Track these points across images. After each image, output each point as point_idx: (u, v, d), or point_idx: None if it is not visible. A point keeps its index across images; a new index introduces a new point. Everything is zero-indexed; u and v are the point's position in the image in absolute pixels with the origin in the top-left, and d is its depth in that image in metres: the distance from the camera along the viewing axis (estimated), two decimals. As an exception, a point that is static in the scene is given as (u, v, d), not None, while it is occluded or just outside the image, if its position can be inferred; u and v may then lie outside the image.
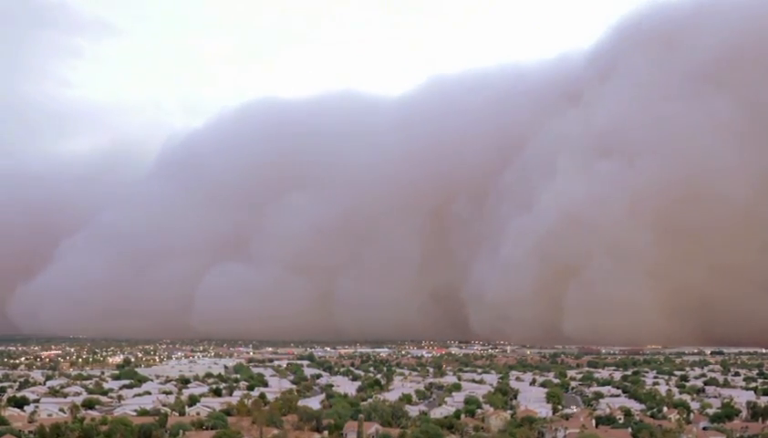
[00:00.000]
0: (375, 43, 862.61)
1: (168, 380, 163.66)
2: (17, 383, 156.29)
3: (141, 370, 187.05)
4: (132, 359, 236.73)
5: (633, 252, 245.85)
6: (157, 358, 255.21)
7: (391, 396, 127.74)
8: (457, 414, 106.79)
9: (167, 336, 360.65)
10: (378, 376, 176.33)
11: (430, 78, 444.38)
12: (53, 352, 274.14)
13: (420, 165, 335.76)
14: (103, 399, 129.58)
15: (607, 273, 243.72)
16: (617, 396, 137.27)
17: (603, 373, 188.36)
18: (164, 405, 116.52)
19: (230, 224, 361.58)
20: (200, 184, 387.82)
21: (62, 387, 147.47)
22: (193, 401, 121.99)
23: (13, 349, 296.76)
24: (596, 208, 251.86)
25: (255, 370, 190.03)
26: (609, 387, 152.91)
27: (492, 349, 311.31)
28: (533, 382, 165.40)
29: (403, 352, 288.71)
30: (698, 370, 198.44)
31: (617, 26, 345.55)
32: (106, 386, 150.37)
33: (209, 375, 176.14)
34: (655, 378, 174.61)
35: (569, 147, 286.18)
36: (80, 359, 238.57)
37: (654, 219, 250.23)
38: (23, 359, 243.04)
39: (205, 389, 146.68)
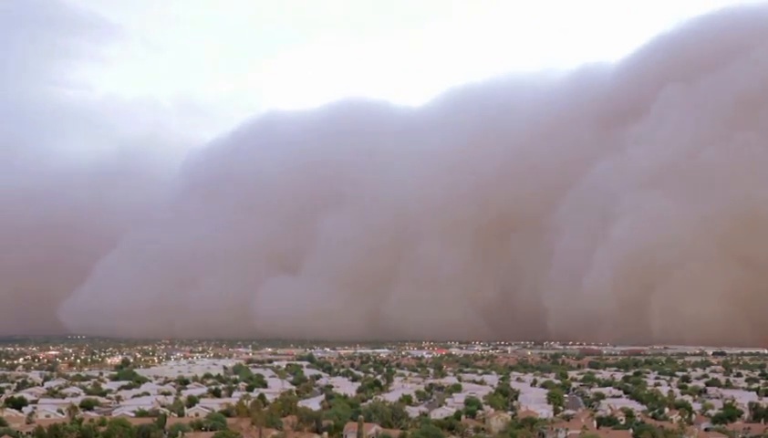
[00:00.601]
0: (377, 49, 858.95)
1: (167, 381, 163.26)
2: (15, 384, 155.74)
3: (140, 371, 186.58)
4: (131, 360, 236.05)
5: (700, 269, 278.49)
6: (156, 358, 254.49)
7: (391, 397, 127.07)
8: (457, 415, 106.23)
9: (223, 337, 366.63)
10: (378, 377, 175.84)
11: (452, 89, 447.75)
12: (51, 353, 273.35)
13: (457, 179, 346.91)
14: (101, 400, 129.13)
15: (682, 287, 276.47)
16: (619, 397, 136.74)
17: (604, 374, 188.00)
18: (163, 406, 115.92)
19: (271, 236, 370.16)
20: (236, 196, 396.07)
21: (60, 388, 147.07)
22: (192, 401, 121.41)
23: (11, 349, 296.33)
24: (664, 233, 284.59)
25: (255, 371, 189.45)
26: (611, 388, 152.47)
27: (492, 349, 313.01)
28: (533, 383, 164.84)
29: (403, 353, 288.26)
30: (699, 371, 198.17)
31: (643, 45, 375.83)
32: (104, 387, 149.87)
33: (208, 376, 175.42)
34: (656, 379, 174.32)
35: (625, 176, 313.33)
36: (79, 360, 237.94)
37: (714, 242, 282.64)
38: (21, 359, 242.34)
39: (204, 390, 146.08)
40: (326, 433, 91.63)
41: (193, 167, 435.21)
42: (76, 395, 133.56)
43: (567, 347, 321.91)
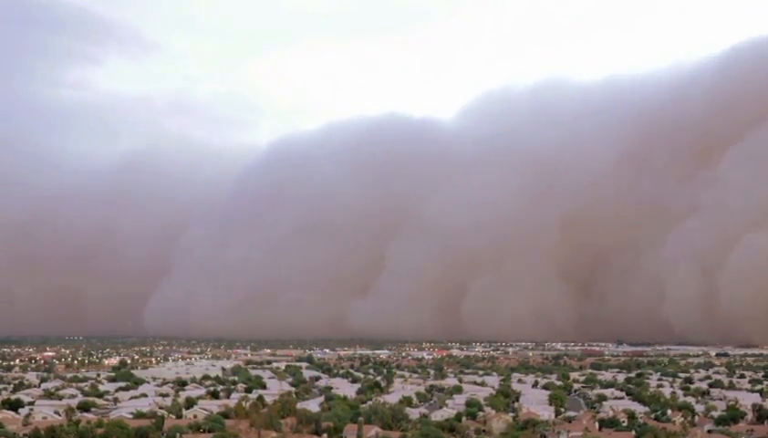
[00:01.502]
0: (379, 50, 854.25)
1: (164, 383, 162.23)
2: (12, 385, 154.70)
3: (138, 372, 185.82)
4: (128, 361, 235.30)
5: None
6: (153, 359, 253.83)
7: (391, 398, 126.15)
8: (458, 417, 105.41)
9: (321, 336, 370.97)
10: (378, 378, 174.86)
11: (495, 95, 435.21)
12: (48, 354, 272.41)
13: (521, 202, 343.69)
14: (99, 401, 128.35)
15: None
16: (621, 398, 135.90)
17: (606, 375, 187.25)
18: (161, 408, 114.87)
19: (337, 252, 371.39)
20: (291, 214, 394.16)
21: (57, 389, 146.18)
22: (190, 403, 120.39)
23: (7, 350, 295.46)
24: None
25: (254, 372, 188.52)
26: (613, 389, 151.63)
27: (494, 350, 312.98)
28: (535, 385, 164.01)
29: (403, 354, 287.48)
30: (702, 372, 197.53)
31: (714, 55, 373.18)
32: (101, 388, 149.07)
33: (206, 377, 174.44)
34: (659, 380, 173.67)
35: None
36: (76, 362, 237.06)
37: None
38: (17, 360, 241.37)
39: (202, 391, 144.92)
40: (325, 435, 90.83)
41: (247, 174, 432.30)
42: (73, 397, 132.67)
43: (569, 347, 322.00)
